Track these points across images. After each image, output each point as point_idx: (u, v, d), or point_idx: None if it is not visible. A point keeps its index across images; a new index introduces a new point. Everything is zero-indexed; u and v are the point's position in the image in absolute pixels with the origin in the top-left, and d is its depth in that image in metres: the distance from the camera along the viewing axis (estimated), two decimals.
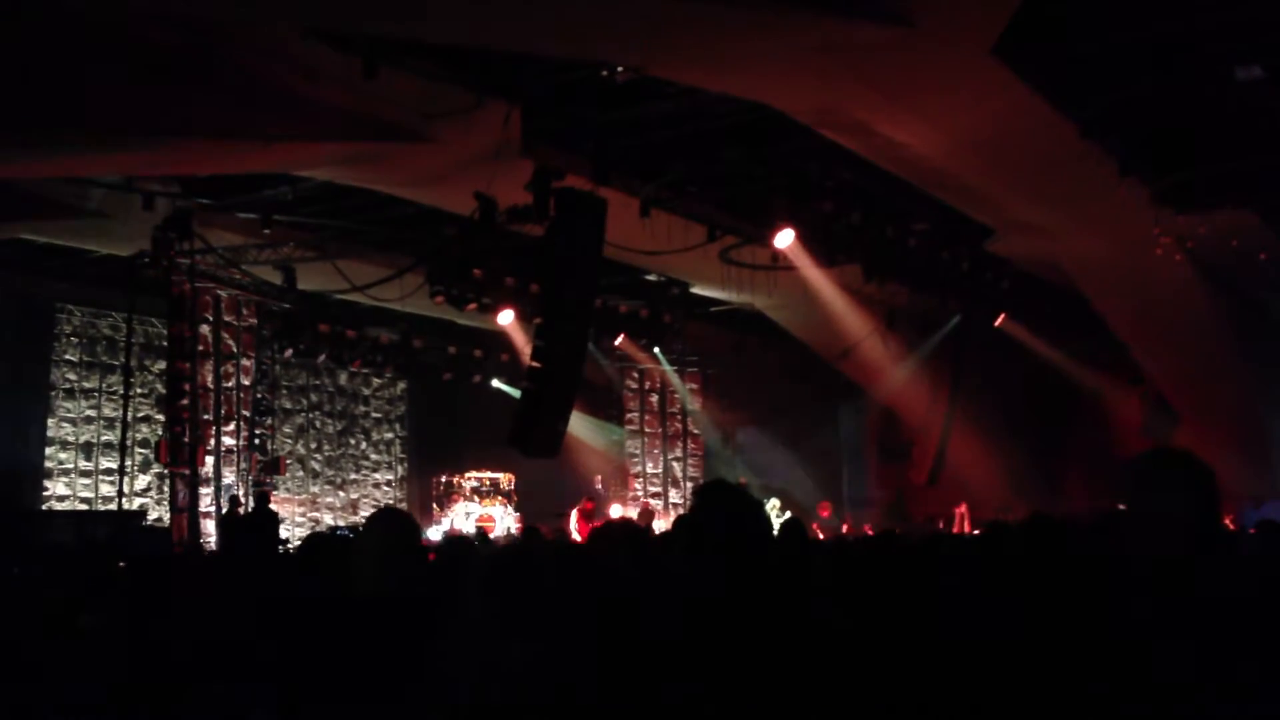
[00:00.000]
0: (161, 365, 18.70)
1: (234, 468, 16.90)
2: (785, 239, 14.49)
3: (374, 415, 24.58)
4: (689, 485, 22.47)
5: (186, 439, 15.54)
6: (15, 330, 18.32)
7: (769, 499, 16.99)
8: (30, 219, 14.48)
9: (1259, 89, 10.74)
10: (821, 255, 15.15)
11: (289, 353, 18.92)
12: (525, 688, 2.54)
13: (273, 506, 15.68)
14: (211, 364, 16.49)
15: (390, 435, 24.88)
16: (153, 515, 18.69)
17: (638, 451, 22.63)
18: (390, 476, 24.66)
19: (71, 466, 19.02)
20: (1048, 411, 20.76)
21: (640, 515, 17.80)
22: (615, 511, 19.55)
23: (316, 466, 23.03)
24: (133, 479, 18.87)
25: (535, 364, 13.19)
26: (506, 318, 17.58)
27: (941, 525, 17.88)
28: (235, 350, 17.16)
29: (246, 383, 17.39)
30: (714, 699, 2.38)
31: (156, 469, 18.72)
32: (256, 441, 17.47)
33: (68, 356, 19.19)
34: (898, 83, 10.65)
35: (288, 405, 22.33)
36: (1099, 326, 17.86)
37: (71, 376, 19.21)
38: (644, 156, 13.15)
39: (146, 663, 3.67)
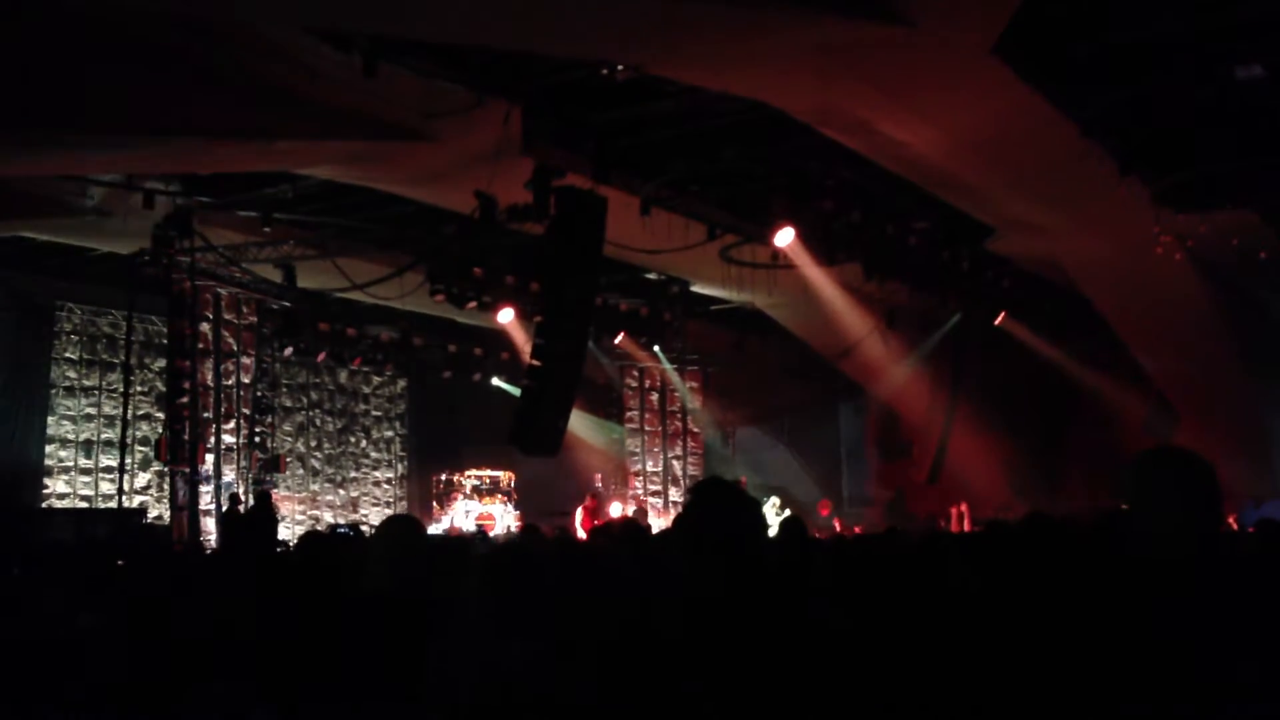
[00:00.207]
0: (162, 363, 18.71)
1: (234, 466, 16.89)
2: (785, 237, 14.51)
3: (374, 413, 24.59)
4: (689, 484, 22.48)
5: (186, 437, 15.53)
6: (15, 328, 18.33)
7: (769, 497, 16.98)
8: (30, 217, 14.46)
9: (1259, 88, 10.73)
10: (822, 254, 15.15)
11: (289, 351, 18.92)
12: (525, 688, 2.54)
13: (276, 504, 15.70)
14: (212, 362, 16.48)
15: (390, 433, 24.89)
16: (153, 513, 18.69)
17: (638, 450, 22.63)
18: (390, 475, 24.66)
19: (71, 464, 19.03)
20: (1048, 410, 20.78)
21: (635, 513, 17.82)
22: (615, 510, 19.55)
23: (316, 464, 23.03)
24: (133, 477, 18.87)
25: (535, 362, 13.20)
26: (506, 316, 17.59)
27: (941, 525, 17.88)
28: (235, 348, 17.15)
29: (247, 381, 17.38)
30: (714, 698, 2.38)
31: (156, 467, 18.73)
32: (256, 439, 17.47)
33: (68, 354, 19.19)
34: (898, 82, 10.65)
35: (288, 403, 22.33)
36: (1099, 326, 17.86)
37: (71, 374, 19.21)
38: (644, 155, 13.15)
39: (146, 662, 3.67)
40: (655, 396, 22.84)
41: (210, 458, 16.22)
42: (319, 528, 18.75)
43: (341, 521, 21.40)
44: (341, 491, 23.43)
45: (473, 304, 16.46)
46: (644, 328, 20.11)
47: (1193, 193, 13.99)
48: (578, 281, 13.16)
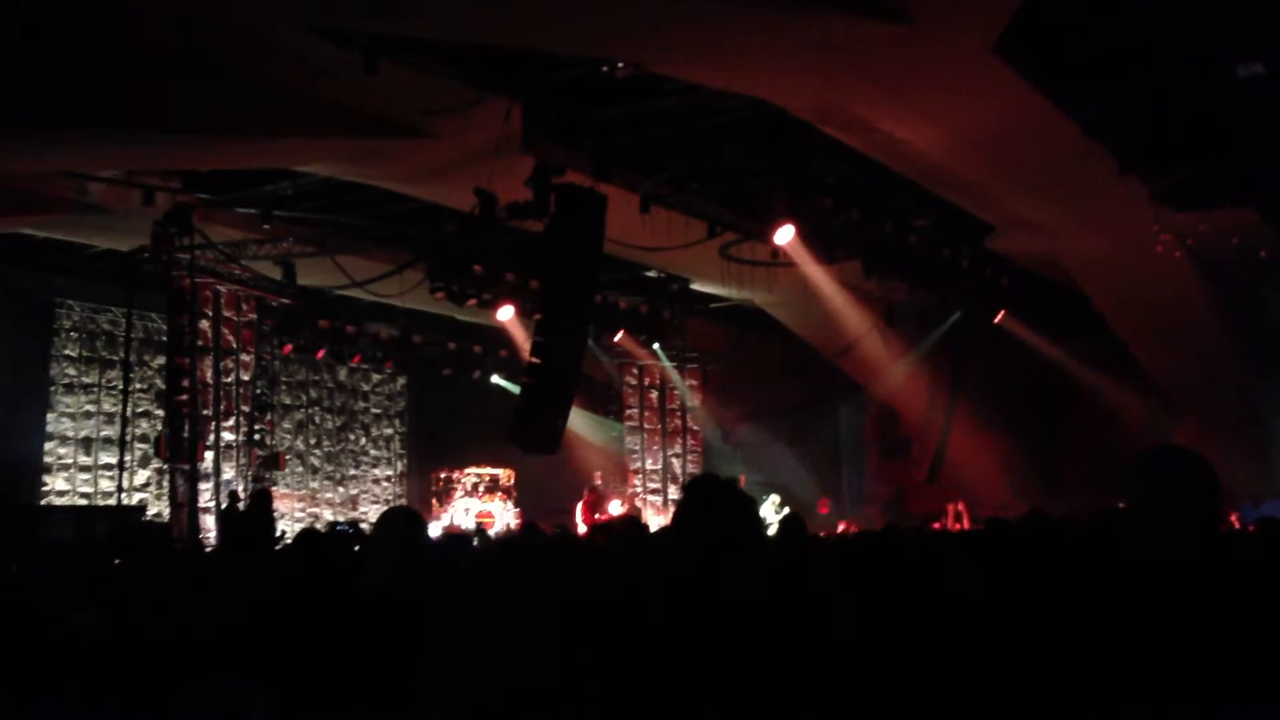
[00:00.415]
0: (161, 360, 18.68)
1: (233, 463, 16.89)
2: (785, 235, 14.50)
3: (374, 411, 24.58)
4: (687, 481, 22.49)
5: (186, 434, 15.51)
6: (14, 325, 18.29)
7: (769, 495, 16.98)
8: (30, 214, 14.44)
9: (1260, 87, 10.73)
10: (821, 251, 15.16)
11: (288, 348, 18.91)
12: (525, 687, 2.53)
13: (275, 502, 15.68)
14: (211, 359, 16.47)
15: (390, 431, 24.88)
16: (152, 511, 18.70)
17: (637, 448, 22.65)
18: (390, 472, 24.66)
19: (71, 462, 19.01)
20: (1047, 409, 20.77)
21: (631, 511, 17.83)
22: (615, 508, 19.54)
23: (316, 462, 23.03)
24: (132, 474, 18.86)
25: (535, 360, 13.21)
26: (506, 313, 17.59)
27: (939, 524, 17.87)
28: (235, 345, 17.15)
29: (246, 378, 17.38)
30: (714, 698, 2.38)
31: (156, 464, 18.71)
32: (256, 437, 17.46)
33: (67, 351, 19.17)
34: (898, 80, 10.65)
35: (287, 401, 22.32)
36: (1099, 324, 17.85)
37: (71, 371, 19.19)
38: (644, 153, 13.15)
39: (145, 660, 3.66)
40: (655, 394, 22.85)
41: (210, 455, 16.22)
42: (318, 525, 18.76)
43: (341, 519, 21.40)
44: (341, 489, 23.43)
45: (472, 301, 16.46)
46: (643, 325, 20.12)
47: (1192, 191, 13.98)
48: (577, 279, 13.17)
